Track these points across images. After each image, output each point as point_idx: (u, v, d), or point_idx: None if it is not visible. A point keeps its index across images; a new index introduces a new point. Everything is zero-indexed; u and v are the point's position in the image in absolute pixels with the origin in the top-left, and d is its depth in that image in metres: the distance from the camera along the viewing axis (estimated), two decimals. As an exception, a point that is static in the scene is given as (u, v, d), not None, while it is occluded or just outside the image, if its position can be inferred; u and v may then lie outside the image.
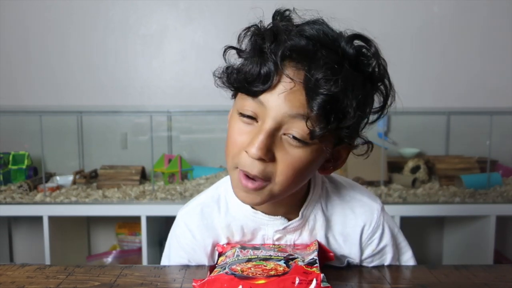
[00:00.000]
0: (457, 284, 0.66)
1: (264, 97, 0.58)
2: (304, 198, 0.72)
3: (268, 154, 0.59)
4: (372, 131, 2.45)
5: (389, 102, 0.66)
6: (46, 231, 1.72)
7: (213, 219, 0.74)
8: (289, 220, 0.71)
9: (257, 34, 0.61)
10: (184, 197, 1.76)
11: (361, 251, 0.75)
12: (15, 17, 2.08)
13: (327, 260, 0.68)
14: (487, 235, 1.73)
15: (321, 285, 0.54)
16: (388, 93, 0.65)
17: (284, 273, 0.55)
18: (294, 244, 0.71)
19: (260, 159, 0.58)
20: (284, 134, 0.59)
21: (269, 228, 0.71)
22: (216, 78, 0.67)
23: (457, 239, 2.04)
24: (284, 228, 0.70)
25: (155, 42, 2.11)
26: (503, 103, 2.06)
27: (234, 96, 0.67)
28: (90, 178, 1.97)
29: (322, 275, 0.55)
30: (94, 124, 2.11)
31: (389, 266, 0.81)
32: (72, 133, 2.10)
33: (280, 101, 0.57)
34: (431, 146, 2.11)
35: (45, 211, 1.73)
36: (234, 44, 0.66)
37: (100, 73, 2.12)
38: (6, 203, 1.75)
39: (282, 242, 0.72)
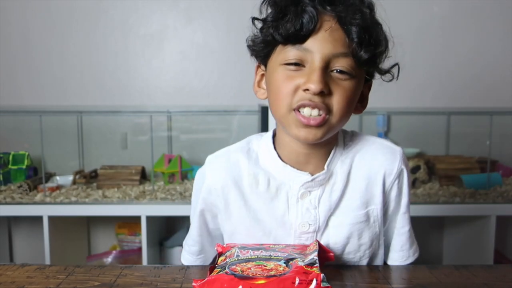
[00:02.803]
0: (457, 284, 0.66)
1: (308, 43, 0.66)
2: (328, 154, 0.76)
3: (326, 87, 0.66)
4: (372, 131, 2.44)
5: (390, 47, 0.74)
6: (46, 231, 1.72)
7: (239, 164, 0.78)
8: None
9: None
10: (184, 197, 1.76)
11: (384, 194, 0.77)
12: (15, 17, 2.08)
13: (327, 260, 0.68)
14: (487, 235, 1.73)
15: (321, 285, 0.54)
16: (387, 38, 0.74)
17: (284, 273, 0.55)
18: (293, 244, 0.71)
19: (320, 92, 0.65)
20: (331, 71, 0.67)
21: (295, 184, 0.74)
22: (254, 42, 0.73)
23: (457, 239, 2.04)
24: (312, 180, 0.74)
25: (155, 42, 2.11)
26: (503, 103, 2.06)
27: (262, 60, 0.74)
28: (90, 178, 1.97)
29: (322, 275, 0.55)
30: (94, 124, 2.11)
31: (389, 266, 0.81)
32: (72, 133, 2.10)
33: (324, 42, 0.65)
34: (431, 146, 2.11)
35: (45, 211, 1.73)
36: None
37: (100, 73, 2.12)
38: (6, 203, 1.75)
39: (306, 199, 0.74)
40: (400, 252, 0.82)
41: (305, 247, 0.68)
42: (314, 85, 0.64)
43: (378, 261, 0.80)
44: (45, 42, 2.10)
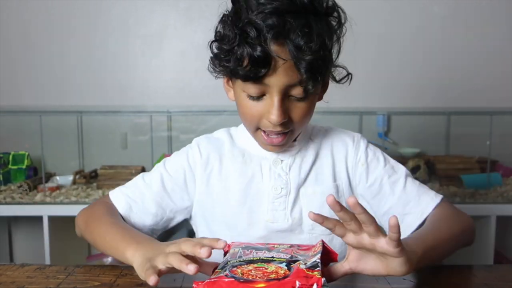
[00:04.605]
0: (457, 284, 0.66)
1: (266, 80, 0.70)
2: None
3: (286, 115, 0.73)
4: (372, 131, 2.44)
5: (344, 30, 0.76)
6: (46, 231, 1.72)
7: (221, 140, 0.88)
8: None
9: (232, 23, 0.72)
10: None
11: (348, 171, 0.86)
12: (16, 17, 2.08)
13: (331, 261, 0.68)
14: (487, 235, 1.73)
15: None
16: (341, 21, 0.75)
17: (285, 277, 0.55)
18: (298, 244, 0.71)
19: (281, 123, 0.73)
20: (289, 96, 0.73)
21: (267, 154, 0.83)
22: (214, 66, 0.77)
23: (457, 239, 2.03)
24: (283, 147, 0.81)
25: (155, 42, 2.11)
26: (503, 103, 2.06)
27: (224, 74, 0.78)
28: (90, 178, 1.97)
29: (323, 279, 0.55)
30: (94, 124, 2.10)
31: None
32: (72, 133, 2.10)
33: (279, 77, 0.70)
34: (431, 146, 2.11)
35: (45, 211, 1.73)
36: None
37: (100, 73, 2.12)
38: (6, 203, 1.75)
39: (278, 167, 0.83)
40: (410, 215, 0.82)
41: (309, 248, 0.67)
42: (275, 118, 0.71)
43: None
44: (45, 42, 2.10)
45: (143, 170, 1.97)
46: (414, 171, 1.91)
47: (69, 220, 1.89)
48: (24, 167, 1.96)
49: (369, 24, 2.04)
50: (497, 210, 1.73)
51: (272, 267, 0.58)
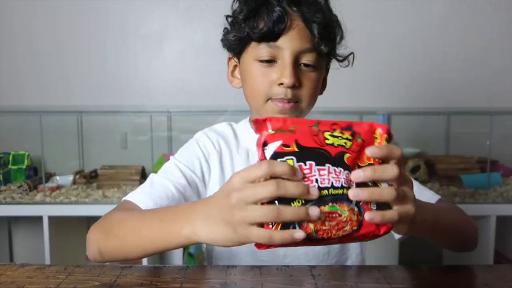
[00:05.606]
0: (457, 284, 0.66)
1: (280, 41, 0.74)
2: None
3: (298, 80, 0.75)
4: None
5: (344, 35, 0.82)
6: (46, 231, 1.72)
7: (225, 134, 0.89)
8: None
9: None
10: (184, 197, 1.76)
11: None
12: (16, 17, 2.08)
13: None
14: (487, 235, 1.73)
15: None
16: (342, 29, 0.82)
17: (359, 228, 0.51)
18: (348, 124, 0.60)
19: (292, 86, 0.75)
20: (299, 64, 0.76)
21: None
22: (227, 37, 0.83)
23: (457, 239, 2.03)
24: None
25: (155, 42, 2.11)
26: (503, 103, 2.06)
27: (236, 54, 0.83)
28: (90, 178, 1.97)
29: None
30: (94, 124, 2.10)
31: (389, 266, 0.81)
32: (72, 133, 2.10)
33: (293, 39, 0.74)
34: (431, 146, 2.11)
35: (45, 211, 1.73)
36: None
37: (100, 73, 2.12)
38: (6, 203, 1.75)
39: None
40: None
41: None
42: (288, 79, 0.73)
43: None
44: (45, 42, 2.10)
45: (143, 170, 1.97)
46: (414, 171, 1.91)
47: (69, 220, 1.91)
48: (24, 167, 1.96)
49: (369, 24, 2.04)
50: (497, 210, 1.73)
51: (345, 210, 0.50)
